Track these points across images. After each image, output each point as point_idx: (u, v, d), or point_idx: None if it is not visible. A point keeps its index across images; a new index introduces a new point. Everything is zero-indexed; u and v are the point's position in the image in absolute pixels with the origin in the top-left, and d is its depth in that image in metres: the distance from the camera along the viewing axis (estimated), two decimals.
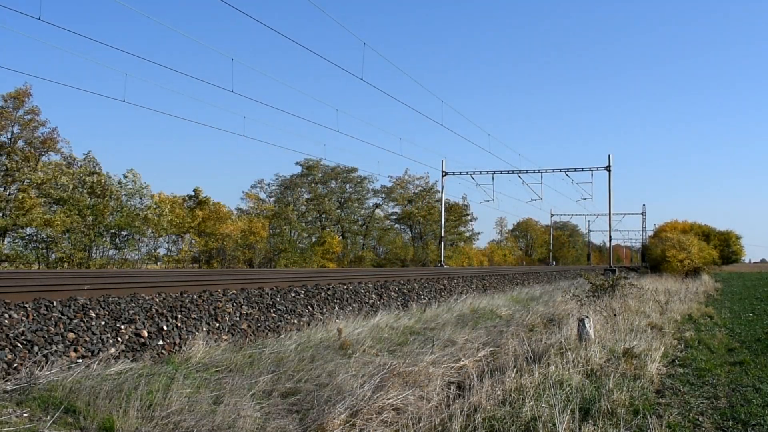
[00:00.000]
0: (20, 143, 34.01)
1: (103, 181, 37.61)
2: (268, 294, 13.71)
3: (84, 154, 40.27)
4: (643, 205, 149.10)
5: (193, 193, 46.45)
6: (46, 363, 8.05)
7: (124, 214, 37.73)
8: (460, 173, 57.33)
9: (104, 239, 36.95)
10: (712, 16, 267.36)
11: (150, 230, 39.97)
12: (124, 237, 39.16)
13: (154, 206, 40.67)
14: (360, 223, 70.60)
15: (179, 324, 10.61)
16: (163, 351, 9.84)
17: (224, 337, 11.09)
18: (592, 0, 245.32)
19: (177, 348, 10.02)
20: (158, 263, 42.59)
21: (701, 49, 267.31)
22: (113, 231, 37.77)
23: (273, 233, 50.94)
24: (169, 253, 43.41)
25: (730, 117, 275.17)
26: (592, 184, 55.80)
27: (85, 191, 36.47)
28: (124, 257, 39.15)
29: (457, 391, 8.03)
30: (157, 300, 10.93)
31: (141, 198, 40.82)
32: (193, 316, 11.07)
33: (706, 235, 67.32)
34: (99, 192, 37.06)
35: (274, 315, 12.98)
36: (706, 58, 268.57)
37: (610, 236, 60.15)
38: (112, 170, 39.18)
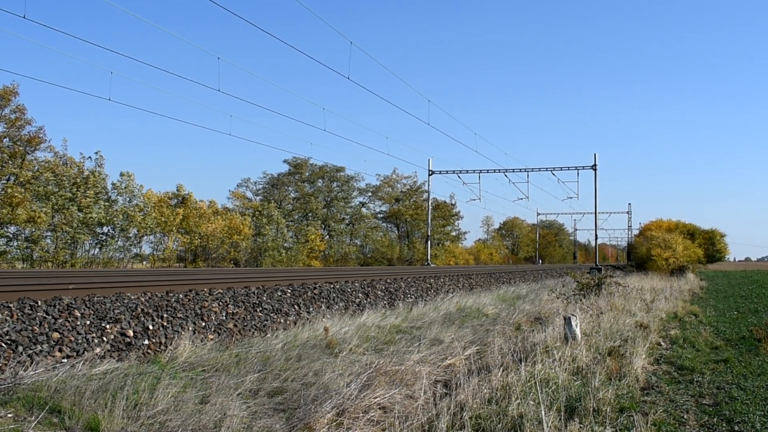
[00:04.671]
0: (5, 141, 33.80)
1: (89, 176, 37.36)
2: (254, 293, 13.67)
3: (80, 153, 40.18)
4: (629, 204, 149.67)
5: (176, 191, 46.08)
6: (31, 363, 7.99)
7: (102, 206, 37.38)
8: (447, 172, 57.51)
9: (86, 234, 36.61)
10: (696, 20, 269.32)
11: (134, 229, 39.72)
12: (105, 234, 38.85)
13: (142, 204, 40.43)
14: (346, 221, 70.51)
15: (165, 323, 10.56)
16: (149, 351, 9.79)
17: (210, 337, 11.05)
18: (581, 3, 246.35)
19: (163, 347, 9.97)
20: (144, 262, 42.34)
21: (687, 51, 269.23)
22: (94, 226, 37.43)
23: (257, 231, 50.66)
24: (155, 252, 43.16)
25: (714, 118, 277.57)
26: (578, 183, 56.65)
27: (69, 185, 36.22)
28: (109, 256, 38.87)
29: (444, 390, 8.03)
30: (143, 299, 10.87)
31: (131, 198, 40.55)
32: (179, 315, 11.03)
33: (691, 233, 67.92)
34: (81, 184, 36.82)
35: (260, 314, 12.95)
36: (691, 60, 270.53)
37: (596, 235, 60.55)
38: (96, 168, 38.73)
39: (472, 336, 13.11)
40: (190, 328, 10.78)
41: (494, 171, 55.79)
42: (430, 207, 62.90)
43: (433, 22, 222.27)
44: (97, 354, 8.91)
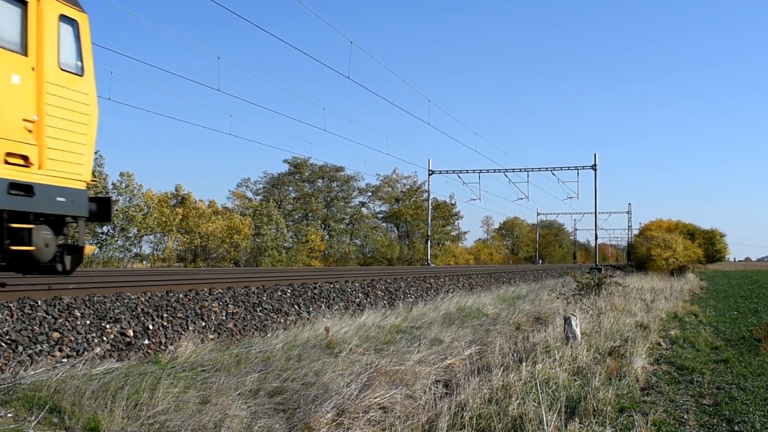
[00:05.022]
0: None
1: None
2: (254, 293, 13.67)
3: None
4: (629, 204, 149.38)
5: (174, 191, 46.03)
6: (31, 363, 7.98)
7: None
8: (447, 172, 57.53)
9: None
10: (696, 20, 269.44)
11: (134, 228, 39.73)
12: (105, 233, 38.82)
13: (143, 204, 40.44)
14: (346, 221, 70.52)
15: (165, 323, 10.55)
16: (149, 350, 9.79)
17: (210, 337, 11.05)
18: (581, 3, 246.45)
19: (163, 347, 9.97)
20: (144, 262, 42.34)
21: (687, 51, 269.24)
22: (94, 226, 37.38)
23: (257, 231, 50.63)
24: (155, 252, 43.17)
25: (714, 118, 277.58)
26: (578, 183, 56.75)
27: None
28: (109, 256, 38.88)
29: (444, 390, 8.03)
30: (143, 299, 10.86)
31: (131, 198, 40.53)
32: (179, 315, 11.02)
33: (691, 233, 67.84)
34: None
35: (260, 314, 12.95)
36: (692, 60, 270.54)
37: (596, 235, 60.63)
38: (96, 168, 38.75)
39: (472, 336, 13.11)
40: (191, 328, 10.77)
41: (494, 171, 55.83)
42: (430, 207, 62.93)
43: (433, 22, 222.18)
44: (97, 354, 8.91)
